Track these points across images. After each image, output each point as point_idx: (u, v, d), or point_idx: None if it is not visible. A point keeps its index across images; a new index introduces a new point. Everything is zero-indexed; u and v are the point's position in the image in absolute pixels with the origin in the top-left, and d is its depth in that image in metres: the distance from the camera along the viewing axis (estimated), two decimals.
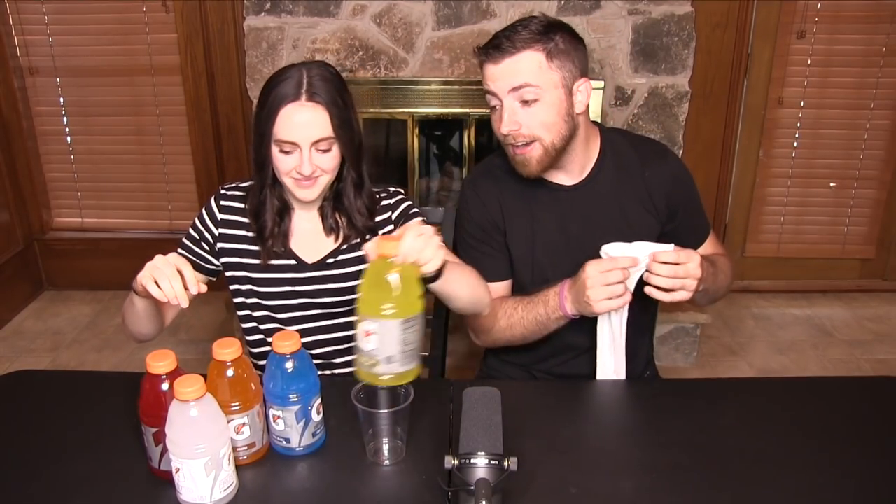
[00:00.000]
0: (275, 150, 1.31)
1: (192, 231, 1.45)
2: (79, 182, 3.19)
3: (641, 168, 1.43)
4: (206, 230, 1.44)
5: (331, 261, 1.43)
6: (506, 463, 0.95)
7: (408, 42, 2.57)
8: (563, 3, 2.51)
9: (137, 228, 3.19)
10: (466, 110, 2.66)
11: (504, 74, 1.31)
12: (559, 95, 1.32)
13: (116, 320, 3.01)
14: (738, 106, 2.92)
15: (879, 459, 1.15)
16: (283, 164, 1.32)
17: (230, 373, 1.07)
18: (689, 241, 1.47)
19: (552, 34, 1.31)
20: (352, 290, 1.42)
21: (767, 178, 3.07)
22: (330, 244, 1.43)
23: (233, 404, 1.06)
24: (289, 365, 1.10)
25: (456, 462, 0.95)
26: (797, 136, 3.01)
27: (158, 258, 1.15)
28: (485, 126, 2.88)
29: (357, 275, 1.43)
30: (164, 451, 1.05)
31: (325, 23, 2.55)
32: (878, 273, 3.22)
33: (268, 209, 1.40)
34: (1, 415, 1.28)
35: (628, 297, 1.27)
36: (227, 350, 1.06)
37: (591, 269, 1.26)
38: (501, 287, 1.49)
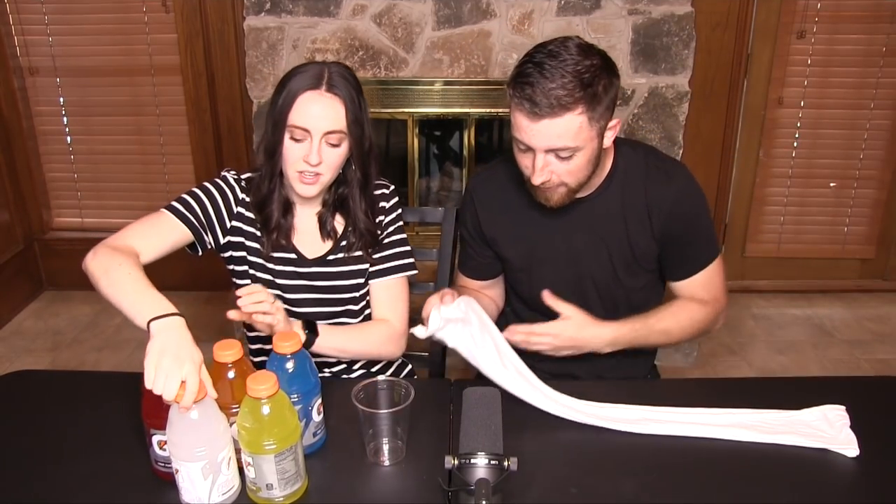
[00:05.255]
0: (286, 137, 1.32)
1: (202, 196, 1.40)
2: (79, 182, 3.19)
3: (645, 187, 1.39)
4: (224, 205, 1.41)
5: (331, 258, 1.45)
6: (506, 463, 0.95)
7: (408, 42, 2.57)
8: (563, 2, 2.51)
9: None
10: (466, 110, 2.66)
11: (541, 134, 1.23)
12: (593, 146, 1.27)
13: (116, 320, 3.00)
14: (738, 106, 2.92)
15: (880, 459, 1.15)
16: (292, 152, 1.32)
17: (231, 374, 1.07)
18: (677, 271, 1.45)
19: (594, 84, 1.20)
20: (351, 287, 1.46)
21: (767, 178, 3.07)
22: (328, 245, 1.46)
23: (233, 406, 1.06)
24: (289, 365, 1.10)
25: (456, 462, 0.95)
26: (797, 136, 3.01)
27: (168, 359, 1.02)
28: (485, 126, 2.89)
29: (356, 273, 1.45)
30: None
31: (325, 23, 2.55)
32: (878, 273, 3.22)
33: (274, 200, 1.40)
34: (1, 415, 1.28)
35: None
36: (227, 352, 1.07)
37: None
38: (474, 284, 1.57)
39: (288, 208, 1.42)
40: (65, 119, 3.08)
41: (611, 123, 1.30)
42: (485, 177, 1.52)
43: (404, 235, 1.50)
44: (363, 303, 1.50)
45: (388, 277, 1.47)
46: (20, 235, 3.14)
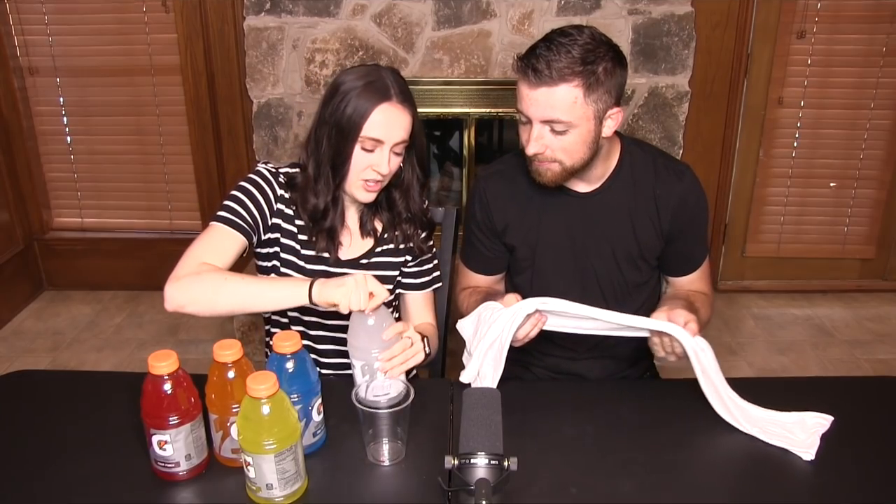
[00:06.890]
0: (356, 148, 1.33)
1: (245, 200, 1.37)
2: (79, 182, 3.19)
3: (654, 184, 1.42)
4: (265, 203, 1.39)
5: (364, 261, 1.45)
6: (506, 463, 0.94)
7: (408, 42, 2.57)
8: (563, 2, 2.51)
9: (137, 228, 3.18)
10: (466, 110, 2.66)
11: (538, 102, 1.28)
12: (589, 127, 1.30)
13: (116, 320, 3.01)
14: (738, 106, 2.92)
15: (879, 459, 1.15)
16: (360, 161, 1.34)
17: (231, 374, 1.07)
18: (677, 268, 1.50)
19: (595, 64, 1.26)
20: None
21: (767, 178, 3.07)
22: (366, 245, 1.46)
23: (234, 406, 1.06)
24: (289, 365, 1.10)
25: (456, 462, 0.95)
26: (797, 136, 3.01)
27: (357, 282, 1.18)
28: (485, 126, 2.89)
29: (384, 279, 1.44)
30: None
31: (325, 23, 2.55)
32: (878, 273, 3.22)
33: (338, 208, 1.41)
34: (1, 415, 1.28)
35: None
36: (227, 352, 1.06)
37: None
38: (481, 279, 1.56)
39: (343, 213, 1.44)
40: (65, 119, 3.08)
41: (611, 111, 1.31)
42: (494, 170, 1.53)
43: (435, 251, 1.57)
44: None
45: (427, 290, 1.53)
46: (20, 235, 3.14)
